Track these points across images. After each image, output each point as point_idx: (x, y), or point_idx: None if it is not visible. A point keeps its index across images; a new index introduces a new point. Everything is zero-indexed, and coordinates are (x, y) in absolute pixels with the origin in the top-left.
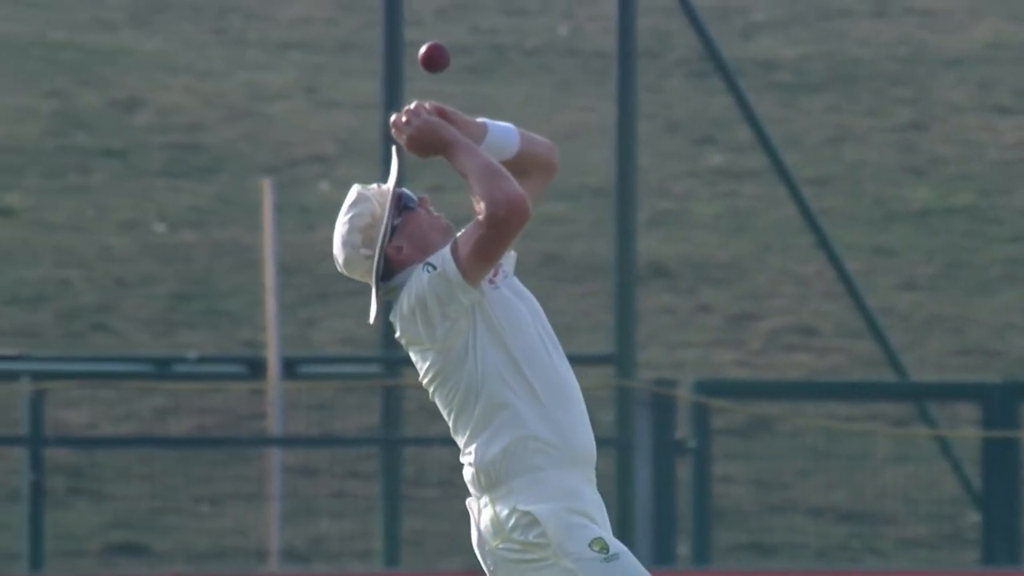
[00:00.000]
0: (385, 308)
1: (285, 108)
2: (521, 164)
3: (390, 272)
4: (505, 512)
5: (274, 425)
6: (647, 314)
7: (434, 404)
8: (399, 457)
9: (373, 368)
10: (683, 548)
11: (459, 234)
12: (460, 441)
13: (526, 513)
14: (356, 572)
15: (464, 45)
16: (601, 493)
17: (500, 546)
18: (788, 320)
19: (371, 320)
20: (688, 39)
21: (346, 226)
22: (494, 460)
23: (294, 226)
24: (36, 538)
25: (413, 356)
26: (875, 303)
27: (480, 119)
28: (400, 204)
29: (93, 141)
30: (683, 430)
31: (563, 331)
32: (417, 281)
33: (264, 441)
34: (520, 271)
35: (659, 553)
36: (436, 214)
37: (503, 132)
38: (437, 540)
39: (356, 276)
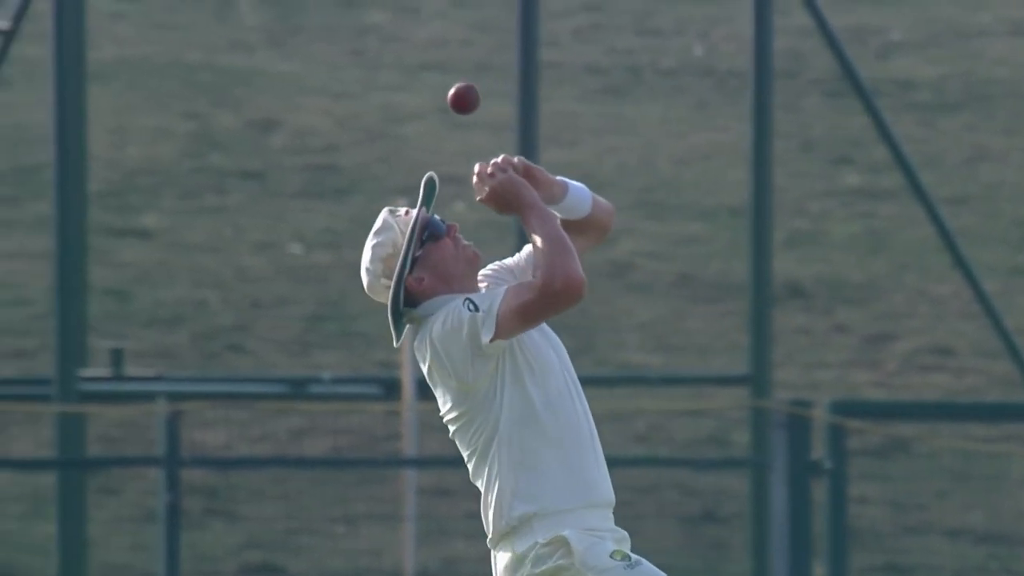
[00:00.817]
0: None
1: (420, 129)
2: (585, 224)
3: (414, 300)
4: (524, 548)
5: (409, 446)
6: (783, 334)
7: None
8: None
9: None
10: (819, 569)
11: (508, 288)
12: (480, 482)
13: (547, 543)
14: None
15: (599, 65)
16: (736, 514)
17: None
18: (925, 340)
19: (396, 344)
20: (824, 59)
21: (369, 254)
22: (516, 503)
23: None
24: (172, 559)
25: (436, 391)
26: (1013, 323)
27: (560, 178)
28: (424, 235)
29: (229, 162)
30: (819, 451)
31: (698, 351)
32: (454, 317)
33: (399, 462)
34: (656, 291)
35: (795, 574)
36: (464, 243)
37: (579, 193)
38: None
39: (380, 300)
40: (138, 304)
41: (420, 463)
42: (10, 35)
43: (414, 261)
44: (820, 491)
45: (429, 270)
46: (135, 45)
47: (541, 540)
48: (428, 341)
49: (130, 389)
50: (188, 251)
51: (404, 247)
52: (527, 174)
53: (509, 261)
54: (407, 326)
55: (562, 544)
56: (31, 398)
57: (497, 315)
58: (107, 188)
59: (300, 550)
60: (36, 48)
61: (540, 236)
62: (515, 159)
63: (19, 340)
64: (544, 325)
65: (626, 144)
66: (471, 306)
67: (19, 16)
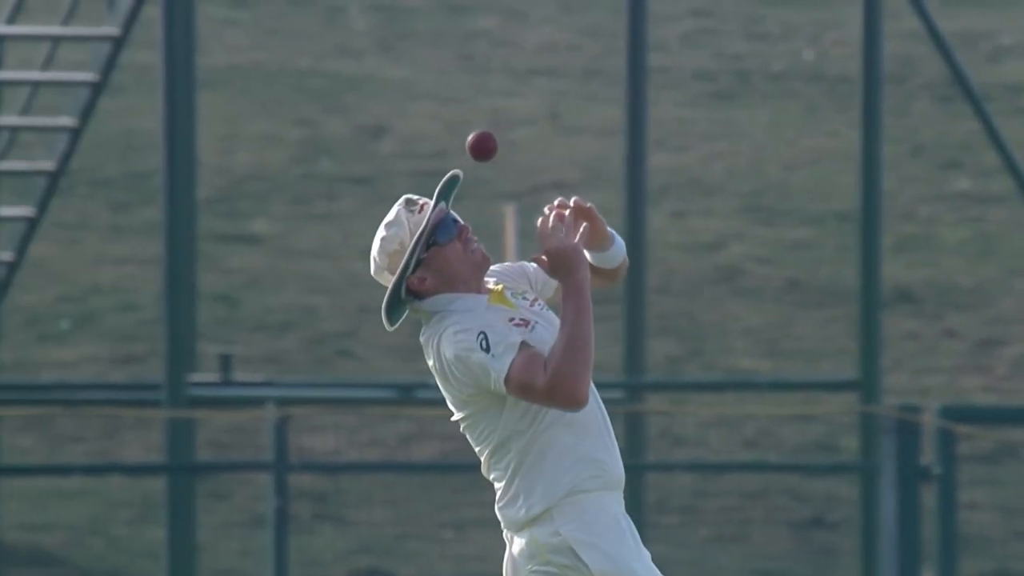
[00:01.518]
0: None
1: (528, 134)
2: (608, 273)
3: (418, 295)
4: (545, 535)
5: None
6: (892, 339)
7: (677, 430)
8: (641, 483)
9: (615, 394)
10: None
11: (523, 349)
12: (495, 474)
13: (565, 541)
14: None
15: (708, 70)
16: (845, 519)
17: (534, 568)
18: None
19: (389, 329)
20: (934, 63)
21: (376, 245)
22: (535, 487)
23: (536, 251)
24: (281, 564)
25: (442, 388)
26: None
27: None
28: (431, 239)
29: (339, 168)
30: (928, 456)
31: (807, 357)
32: (465, 346)
33: None
34: (765, 297)
35: None
36: (474, 247)
37: (619, 247)
38: (680, 567)
39: (385, 285)
40: (247, 310)
41: None
42: (120, 41)
43: (419, 262)
44: (929, 497)
45: (433, 272)
46: (245, 52)
47: (562, 531)
48: (434, 349)
49: (239, 394)
50: (297, 257)
51: (409, 248)
52: (587, 216)
53: (528, 266)
54: (406, 314)
55: (578, 554)
56: (141, 403)
57: (507, 374)
58: (217, 194)
59: (408, 555)
60: (147, 55)
61: (571, 332)
62: (576, 202)
63: (129, 345)
64: (550, 314)
65: (735, 149)
66: (483, 344)
67: (129, 23)
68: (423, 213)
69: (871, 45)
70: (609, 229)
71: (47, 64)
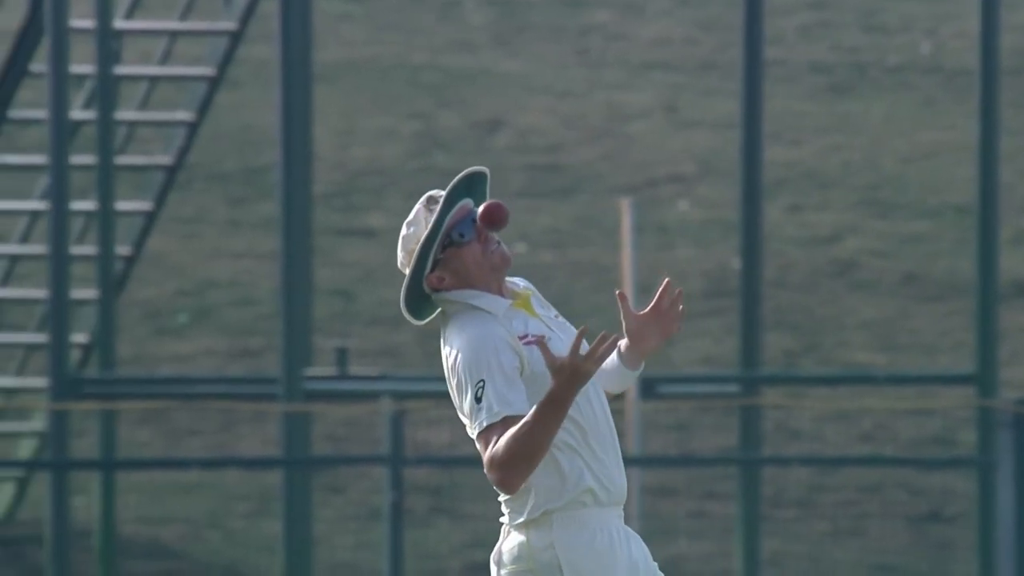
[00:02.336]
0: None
1: (644, 128)
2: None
3: (442, 290)
4: (539, 543)
5: (633, 444)
6: (1010, 333)
7: (793, 424)
8: (758, 477)
9: (732, 387)
10: None
11: (497, 420)
12: None
13: (556, 557)
14: None
15: (824, 63)
16: (962, 514)
17: (517, 570)
18: None
19: (417, 323)
20: None
21: (400, 240)
22: (535, 499)
23: (653, 245)
24: (396, 557)
25: (451, 391)
26: None
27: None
28: (447, 240)
29: (454, 162)
30: None
31: (924, 350)
32: (465, 382)
33: (624, 460)
34: (881, 290)
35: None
36: (493, 247)
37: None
38: (796, 561)
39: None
40: (363, 303)
41: (644, 462)
42: (237, 36)
43: (437, 262)
44: None
45: (451, 272)
46: (361, 46)
47: (557, 545)
48: (448, 346)
49: (355, 388)
50: None
51: (419, 248)
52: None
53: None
54: (438, 310)
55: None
56: (258, 397)
57: (479, 432)
58: (332, 189)
59: None
60: (263, 49)
61: (528, 431)
62: (615, 338)
63: (246, 340)
64: (561, 322)
65: (851, 142)
66: (479, 392)
67: (246, 17)
68: (439, 210)
69: (989, 37)
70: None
71: (165, 59)
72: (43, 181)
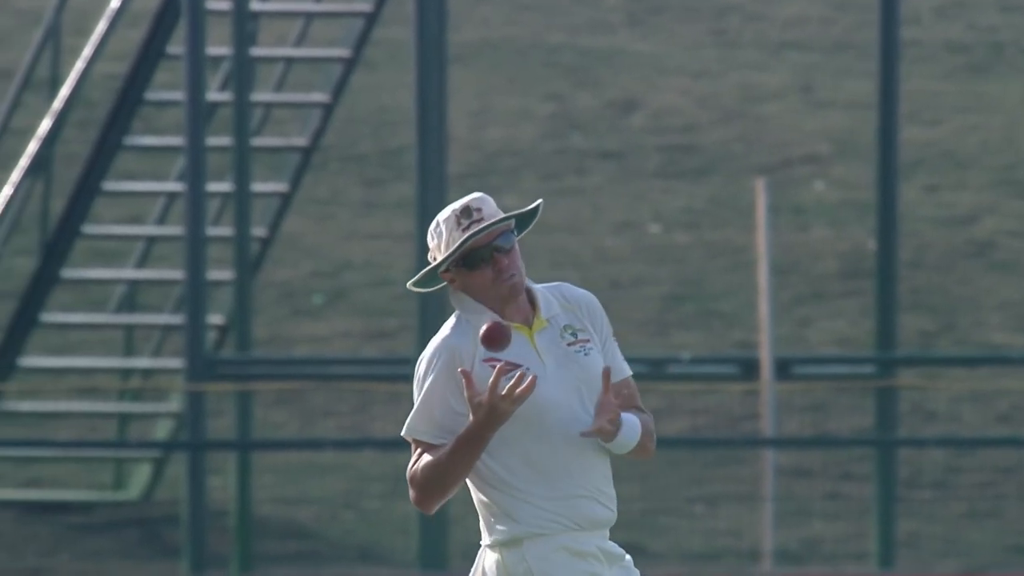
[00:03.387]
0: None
1: (779, 108)
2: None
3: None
4: (514, 562)
5: (767, 426)
6: None
7: (929, 405)
8: (894, 458)
9: (868, 368)
10: None
11: (412, 443)
12: (476, 482)
13: (531, 571)
14: (850, 574)
15: (961, 43)
16: None
17: None
18: None
19: (412, 288)
20: None
21: (430, 230)
22: (501, 521)
23: (788, 226)
24: None
25: None
26: None
27: (631, 423)
28: (461, 261)
29: (589, 143)
30: None
31: None
32: (420, 372)
33: (757, 442)
34: (1019, 270)
35: None
36: (505, 278)
37: (625, 441)
38: (932, 542)
39: None
40: None
41: (779, 443)
42: (373, 17)
43: (449, 270)
44: None
45: (461, 284)
46: (497, 27)
47: (534, 568)
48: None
49: None
50: (548, 232)
51: (435, 262)
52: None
53: (607, 342)
54: (440, 287)
55: None
56: (392, 378)
57: (411, 443)
58: (467, 170)
59: (658, 530)
60: (399, 30)
61: (444, 463)
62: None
63: (381, 321)
64: (578, 358)
65: (988, 122)
66: (416, 396)
67: None
68: (467, 232)
69: None
70: (629, 421)
71: (300, 40)
72: (179, 163)
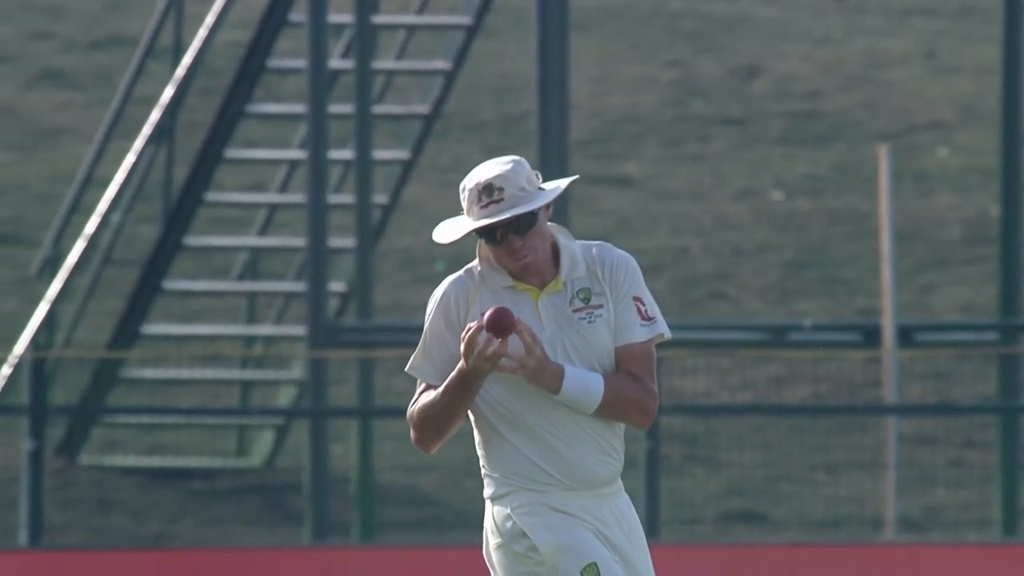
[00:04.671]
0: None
1: (903, 74)
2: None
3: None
4: (501, 516)
5: (890, 393)
6: None
7: None
8: (1017, 426)
9: (991, 335)
10: None
11: (418, 362)
12: (476, 438)
13: (518, 526)
14: (973, 542)
15: None
16: None
17: (498, 544)
18: None
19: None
20: None
21: (466, 181)
22: (495, 469)
23: (912, 193)
24: (652, 505)
25: None
26: None
27: (567, 376)
28: (479, 231)
29: (711, 110)
30: None
31: None
32: (428, 311)
33: (880, 409)
34: None
35: None
36: (517, 258)
37: (573, 394)
38: None
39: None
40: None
41: (901, 410)
42: None
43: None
44: None
45: (481, 246)
46: None
47: (520, 522)
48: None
49: None
50: (669, 199)
51: (462, 232)
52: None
53: (622, 303)
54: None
55: (536, 547)
56: None
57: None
58: (589, 137)
59: (780, 497)
60: None
61: (436, 404)
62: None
63: None
64: (582, 325)
65: None
66: (422, 339)
67: None
68: (487, 209)
69: None
70: (578, 376)
71: (422, 8)
72: (302, 130)
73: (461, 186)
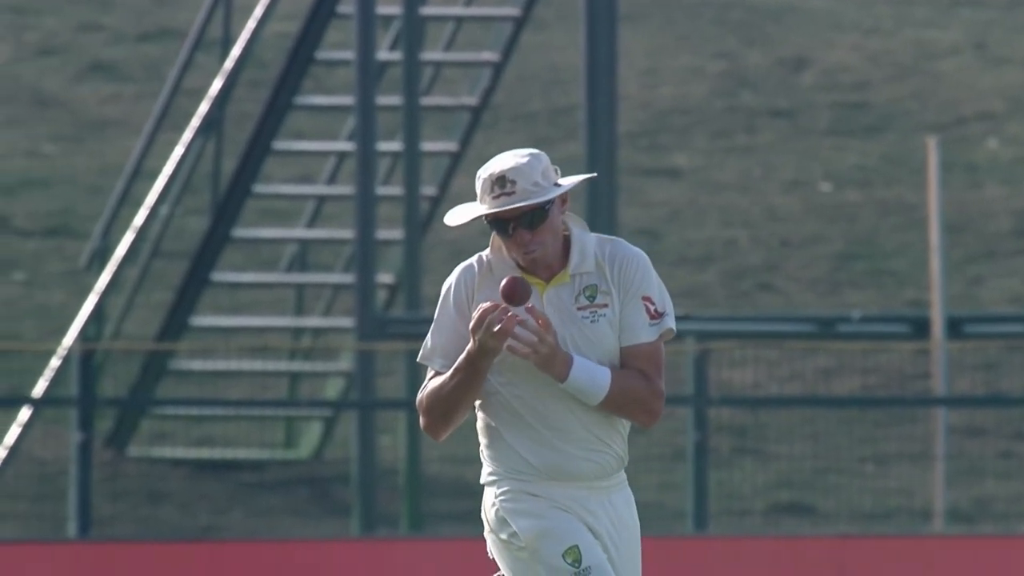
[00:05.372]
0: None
1: (953, 65)
2: (605, 408)
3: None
4: (488, 503)
5: (939, 385)
6: None
7: None
8: None
9: None
10: None
11: (432, 373)
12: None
13: (500, 512)
14: (1022, 534)
15: None
16: None
17: (488, 532)
18: None
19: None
20: None
21: (484, 169)
22: (487, 454)
23: (961, 184)
24: (700, 497)
25: None
26: None
27: (575, 366)
28: (489, 220)
29: (760, 101)
30: None
31: None
32: (441, 294)
33: (929, 401)
34: None
35: None
36: (526, 251)
37: (580, 385)
38: None
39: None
40: (668, 243)
41: (951, 402)
42: None
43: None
44: None
45: (493, 236)
46: None
47: (503, 508)
48: None
49: None
50: (718, 190)
51: (471, 216)
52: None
53: (630, 303)
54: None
55: (517, 533)
56: None
57: (426, 367)
58: (638, 128)
59: (829, 489)
60: None
61: (445, 387)
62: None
63: None
64: (583, 323)
65: None
66: (432, 325)
67: None
68: (498, 200)
69: None
70: (587, 367)
71: (471, 0)
72: (350, 122)
73: (478, 174)
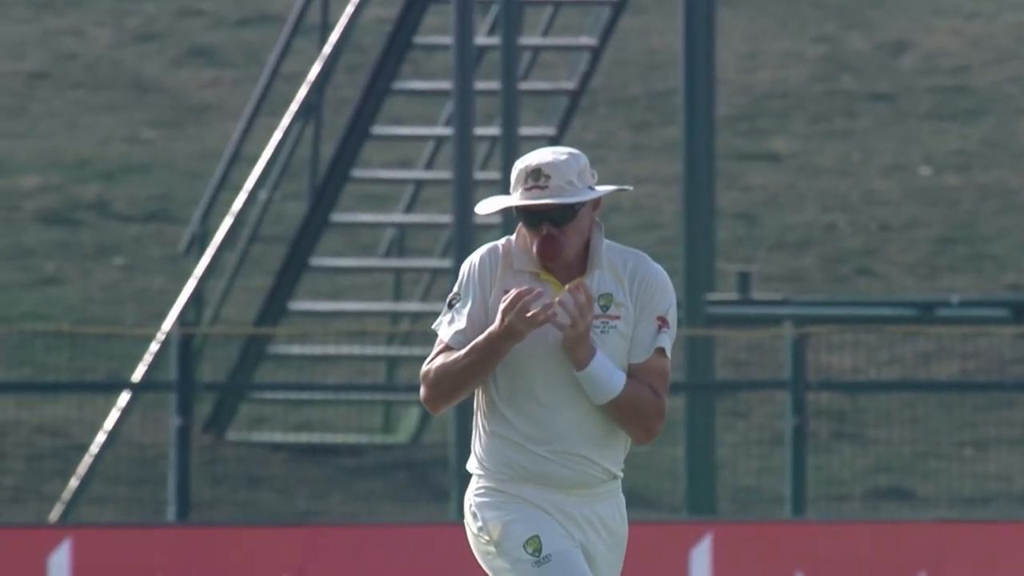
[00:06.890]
0: None
1: None
2: (615, 416)
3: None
4: (466, 502)
5: None
6: None
7: None
8: None
9: None
10: None
11: (443, 347)
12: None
13: (476, 514)
14: None
15: None
16: None
17: (466, 525)
18: None
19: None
20: None
21: (521, 161)
22: (472, 458)
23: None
24: (798, 482)
25: None
26: None
27: (595, 360)
28: (519, 212)
29: (860, 85)
30: None
31: None
32: (460, 277)
33: None
34: None
35: None
36: (546, 250)
37: (597, 382)
38: None
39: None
40: (766, 228)
41: None
42: None
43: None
44: None
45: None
46: None
47: (475, 501)
48: None
49: (757, 312)
50: (817, 174)
51: (501, 205)
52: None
53: (643, 321)
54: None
55: (481, 521)
56: None
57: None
58: (736, 112)
59: (928, 474)
60: None
61: (457, 363)
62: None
63: None
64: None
65: None
66: (451, 303)
67: None
68: (530, 192)
69: None
70: (607, 364)
71: None
72: (448, 107)
73: (515, 164)
